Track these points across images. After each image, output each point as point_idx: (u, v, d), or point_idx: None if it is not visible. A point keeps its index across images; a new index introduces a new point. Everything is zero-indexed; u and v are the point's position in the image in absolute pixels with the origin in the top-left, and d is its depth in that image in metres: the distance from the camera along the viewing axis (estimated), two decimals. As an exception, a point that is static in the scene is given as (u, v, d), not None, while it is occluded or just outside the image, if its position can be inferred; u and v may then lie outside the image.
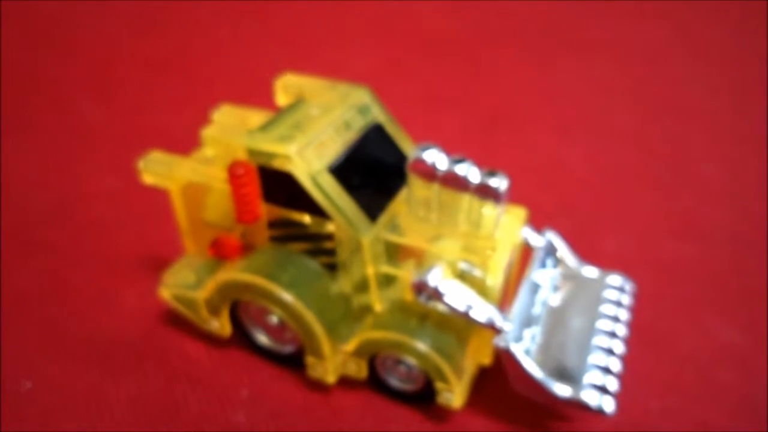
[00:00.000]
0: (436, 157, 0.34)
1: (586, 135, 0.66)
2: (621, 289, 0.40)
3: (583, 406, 0.33)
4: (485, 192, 0.33)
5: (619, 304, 0.39)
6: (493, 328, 0.33)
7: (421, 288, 0.33)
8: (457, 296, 0.33)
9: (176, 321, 0.42)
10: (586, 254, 0.44)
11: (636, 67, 0.80)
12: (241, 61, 0.79)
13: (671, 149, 0.64)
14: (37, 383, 0.38)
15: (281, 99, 0.41)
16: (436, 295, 0.33)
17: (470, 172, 0.33)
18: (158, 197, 0.48)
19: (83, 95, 0.71)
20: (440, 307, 0.34)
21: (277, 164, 0.33)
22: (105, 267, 0.47)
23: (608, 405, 0.33)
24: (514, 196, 0.45)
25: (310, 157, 0.33)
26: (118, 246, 0.49)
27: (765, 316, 0.44)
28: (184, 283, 0.40)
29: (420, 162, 0.33)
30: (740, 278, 0.48)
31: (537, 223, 0.44)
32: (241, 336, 0.40)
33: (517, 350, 0.33)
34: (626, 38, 0.88)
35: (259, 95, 0.52)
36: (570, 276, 0.40)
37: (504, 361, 0.33)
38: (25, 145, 0.62)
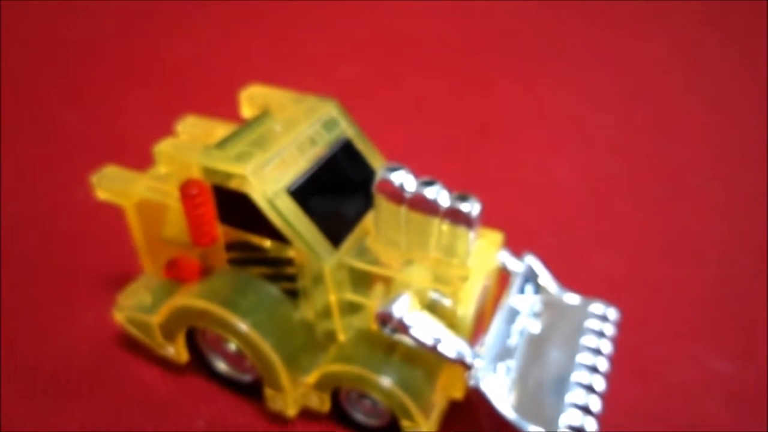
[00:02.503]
0: (404, 178, 0.31)
1: (575, 149, 0.64)
2: (604, 318, 0.37)
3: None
4: (456, 216, 0.31)
5: (601, 334, 0.37)
6: (463, 364, 0.31)
7: (385, 319, 0.31)
8: (425, 329, 0.31)
9: (132, 344, 0.40)
10: (572, 272, 0.42)
11: (626, 81, 0.78)
12: (222, 70, 0.77)
13: (662, 165, 0.61)
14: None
15: (246, 111, 0.39)
16: (402, 327, 0.31)
17: (440, 195, 0.31)
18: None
19: (57, 101, 0.69)
20: (406, 340, 0.31)
21: (233, 184, 0.31)
22: (65, 283, 0.45)
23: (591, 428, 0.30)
24: (500, 211, 0.42)
25: (268, 178, 0.31)
26: (82, 261, 0.47)
27: (756, 341, 0.42)
28: (139, 306, 0.37)
29: (386, 183, 0.31)
30: (731, 301, 0.45)
31: (523, 239, 0.42)
32: (199, 362, 0.37)
33: (488, 389, 0.31)
34: (617, 51, 0.86)
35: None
36: (550, 303, 0.38)
37: (474, 399, 0.31)
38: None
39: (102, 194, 0.37)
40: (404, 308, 0.31)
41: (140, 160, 0.39)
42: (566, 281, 0.40)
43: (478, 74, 0.78)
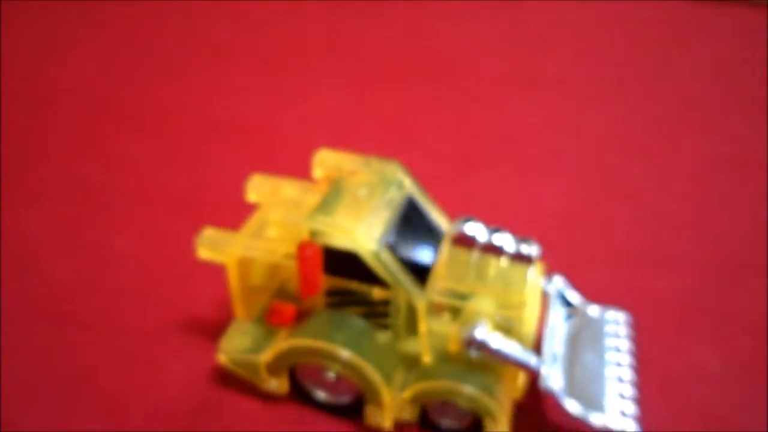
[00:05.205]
0: (476, 230, 0.39)
1: (554, 172, 0.73)
2: (618, 322, 0.47)
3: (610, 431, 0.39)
4: (519, 258, 0.39)
5: (618, 335, 0.46)
6: (534, 371, 0.39)
7: (470, 342, 0.39)
8: (503, 346, 0.39)
9: (227, 382, 0.46)
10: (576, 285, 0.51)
11: (595, 103, 0.89)
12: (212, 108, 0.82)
13: (637, 181, 0.71)
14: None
15: (317, 173, 0.45)
16: (485, 346, 0.39)
17: (505, 240, 0.39)
18: (171, 257, 0.51)
19: (76, 153, 0.72)
20: (488, 356, 0.39)
21: (343, 244, 0.38)
22: (142, 337, 0.50)
23: (630, 427, 0.39)
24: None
25: (370, 236, 0.38)
26: (148, 313, 0.52)
27: (739, 338, 0.52)
28: (241, 348, 0.43)
29: (462, 235, 0.39)
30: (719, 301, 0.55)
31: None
32: (297, 392, 0.44)
33: (557, 389, 0.39)
34: (586, 73, 0.96)
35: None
36: (576, 315, 0.47)
37: (544, 399, 0.39)
38: (27, 213, 0.62)
39: (204, 254, 0.42)
40: (485, 331, 0.39)
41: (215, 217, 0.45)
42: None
43: (453, 105, 0.87)
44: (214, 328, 0.49)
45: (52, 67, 0.91)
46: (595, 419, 0.39)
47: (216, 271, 0.55)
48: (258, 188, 0.47)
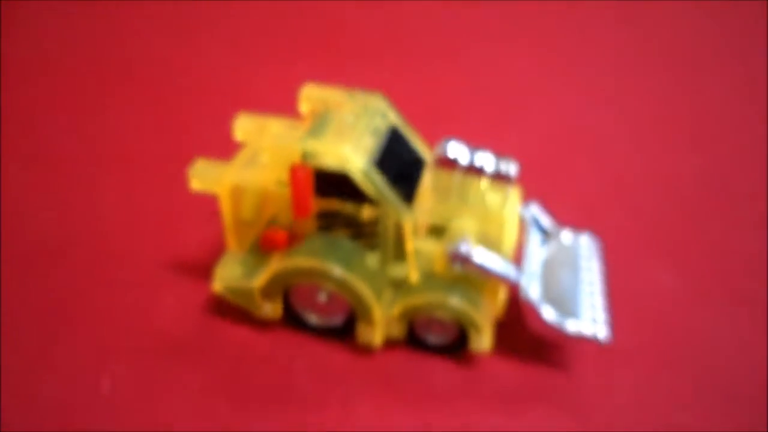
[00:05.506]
0: (458, 150, 0.42)
1: (522, 121, 0.76)
2: (590, 245, 0.50)
3: (583, 336, 0.42)
4: (499, 176, 0.42)
5: (590, 257, 0.49)
6: (514, 283, 0.42)
7: (455, 257, 0.41)
8: (485, 259, 0.41)
9: (221, 313, 0.47)
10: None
11: (562, 54, 0.92)
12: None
13: (602, 130, 0.75)
14: (113, 382, 0.42)
15: (304, 107, 0.47)
16: (469, 260, 0.41)
17: (486, 159, 0.42)
18: (157, 205, 0.53)
19: (63, 105, 0.72)
20: (471, 270, 0.42)
21: (334, 165, 0.40)
22: (133, 277, 0.51)
23: (602, 332, 0.43)
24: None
25: (360, 157, 0.40)
26: (137, 258, 0.52)
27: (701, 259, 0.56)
28: (235, 276, 0.45)
29: (445, 157, 0.41)
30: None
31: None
32: (289, 318, 0.46)
33: (536, 299, 0.42)
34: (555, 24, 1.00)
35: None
36: (550, 239, 0.50)
37: (524, 308, 0.42)
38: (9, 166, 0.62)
39: (197, 184, 0.44)
40: (469, 246, 0.41)
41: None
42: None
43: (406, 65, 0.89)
44: (203, 267, 0.51)
45: (34, 29, 0.90)
46: (570, 326, 0.43)
47: (203, 216, 0.56)
48: (245, 127, 0.48)
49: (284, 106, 0.54)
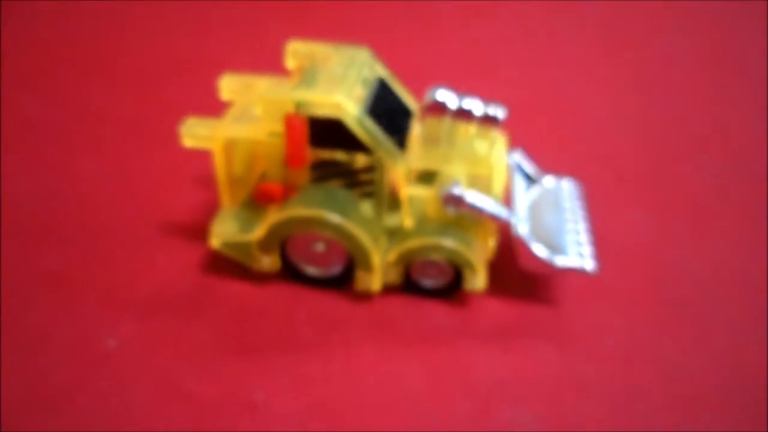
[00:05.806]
0: (446, 96, 0.43)
1: (505, 75, 0.78)
2: (573, 189, 0.52)
3: (572, 269, 0.45)
4: (487, 119, 0.43)
5: (573, 199, 0.51)
6: (506, 221, 0.44)
7: (449, 199, 0.43)
8: (478, 200, 0.43)
9: (217, 271, 0.48)
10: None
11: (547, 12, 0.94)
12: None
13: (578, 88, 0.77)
14: (119, 341, 0.42)
15: (290, 63, 0.47)
16: (462, 202, 0.43)
17: (474, 104, 0.43)
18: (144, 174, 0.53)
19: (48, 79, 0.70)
20: (465, 212, 0.43)
21: (328, 113, 0.40)
22: (124, 239, 0.51)
23: (589, 265, 0.45)
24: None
25: (353, 105, 0.41)
26: (128, 221, 0.52)
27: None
28: (232, 231, 0.45)
29: (434, 102, 0.43)
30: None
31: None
32: (287, 271, 0.46)
33: (527, 236, 0.44)
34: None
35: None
36: (534, 184, 0.52)
37: (516, 244, 0.44)
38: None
39: (189, 142, 0.44)
40: (461, 188, 0.43)
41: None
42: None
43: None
44: (192, 228, 0.51)
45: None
46: (559, 261, 0.45)
47: (186, 179, 0.56)
48: (230, 86, 0.48)
49: (263, 68, 0.54)
